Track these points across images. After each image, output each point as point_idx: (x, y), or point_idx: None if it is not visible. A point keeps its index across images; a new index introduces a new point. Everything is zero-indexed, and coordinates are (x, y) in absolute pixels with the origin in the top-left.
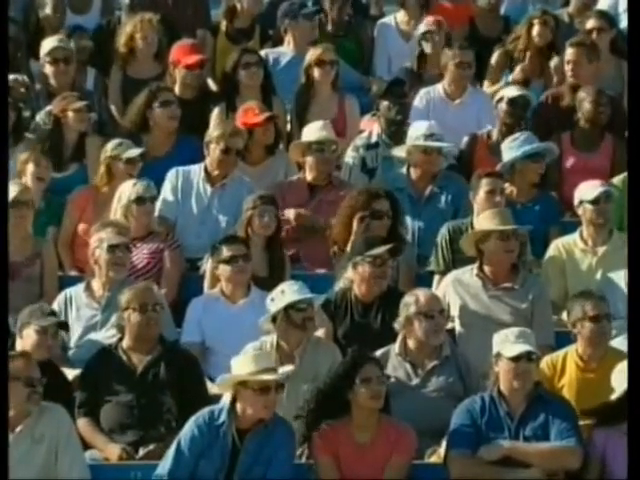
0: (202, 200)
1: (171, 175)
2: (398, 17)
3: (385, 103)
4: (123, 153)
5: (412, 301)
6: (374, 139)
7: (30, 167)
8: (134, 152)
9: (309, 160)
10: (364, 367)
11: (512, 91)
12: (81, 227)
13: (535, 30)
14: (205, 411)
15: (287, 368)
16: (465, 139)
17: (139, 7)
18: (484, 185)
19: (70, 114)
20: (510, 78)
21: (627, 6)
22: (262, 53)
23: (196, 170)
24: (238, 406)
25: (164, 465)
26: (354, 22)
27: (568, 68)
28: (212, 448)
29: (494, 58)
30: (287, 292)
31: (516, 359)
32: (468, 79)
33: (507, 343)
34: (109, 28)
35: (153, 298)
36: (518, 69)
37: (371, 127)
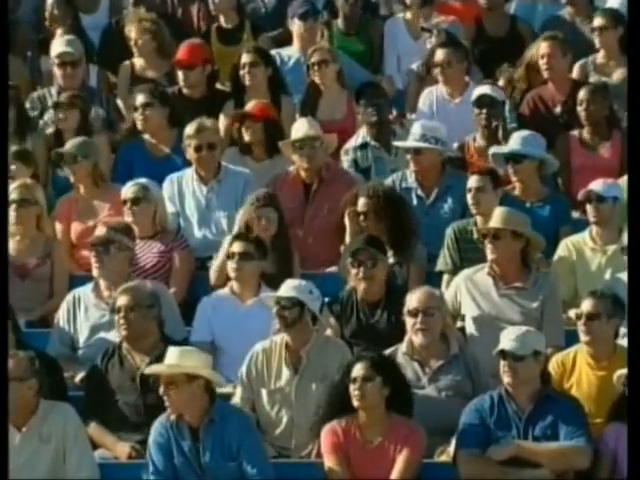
0: (200, 201)
1: (166, 184)
2: (407, 15)
3: (361, 108)
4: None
5: (407, 299)
6: (360, 141)
7: (29, 165)
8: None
9: (295, 158)
10: (354, 367)
11: (476, 92)
12: (73, 234)
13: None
14: (164, 413)
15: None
16: (455, 146)
17: (144, 7)
18: (470, 182)
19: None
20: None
21: (627, 6)
22: (272, 52)
23: (189, 173)
24: None
25: (148, 470)
26: (364, 21)
27: (542, 62)
28: (178, 447)
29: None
30: (282, 288)
31: (501, 355)
32: (459, 77)
33: (505, 339)
34: (117, 27)
35: (144, 299)
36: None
37: None
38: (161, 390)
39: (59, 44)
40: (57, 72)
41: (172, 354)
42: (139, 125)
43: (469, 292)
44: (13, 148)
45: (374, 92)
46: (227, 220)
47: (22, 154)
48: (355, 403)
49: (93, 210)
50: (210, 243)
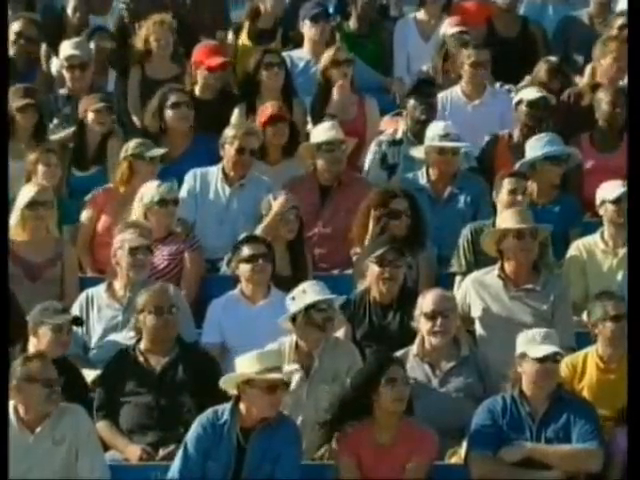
0: (220, 201)
1: (189, 177)
2: (418, 17)
3: (412, 101)
4: (146, 152)
5: (420, 302)
6: (399, 136)
7: (40, 167)
8: (157, 151)
9: (319, 161)
10: (390, 368)
11: (531, 93)
12: (101, 227)
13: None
14: (209, 411)
15: (292, 367)
16: (486, 139)
17: (153, 9)
18: (506, 185)
19: (90, 115)
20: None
21: (627, 6)
22: (283, 55)
23: (214, 171)
24: (242, 405)
25: (174, 468)
26: (374, 23)
27: (606, 63)
28: (218, 448)
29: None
30: (308, 292)
31: (543, 360)
32: (484, 79)
33: (533, 344)
34: (129, 29)
35: (168, 300)
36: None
37: (391, 127)
38: (252, 395)
39: (67, 47)
40: (66, 75)
41: (252, 358)
42: (170, 124)
43: (479, 294)
44: (46, 147)
45: (429, 90)
46: (245, 224)
47: (52, 151)
48: (393, 405)
49: (126, 209)
50: (224, 245)
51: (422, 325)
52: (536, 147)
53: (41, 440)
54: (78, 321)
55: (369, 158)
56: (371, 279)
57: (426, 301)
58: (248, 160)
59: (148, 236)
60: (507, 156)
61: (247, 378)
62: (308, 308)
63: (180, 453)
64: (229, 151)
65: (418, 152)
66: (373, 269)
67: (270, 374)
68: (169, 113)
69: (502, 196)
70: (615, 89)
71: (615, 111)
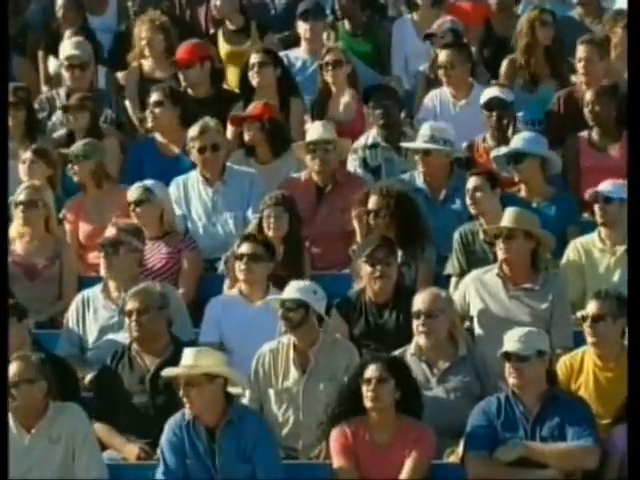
0: (206, 203)
1: (172, 188)
2: (415, 16)
3: (370, 109)
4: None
5: (413, 301)
6: (370, 141)
7: (33, 166)
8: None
9: (310, 160)
10: (367, 368)
11: (485, 95)
12: (81, 234)
13: (538, 31)
14: (178, 413)
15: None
16: (464, 145)
17: (149, 8)
18: (469, 183)
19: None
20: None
21: (627, 6)
22: (281, 54)
23: (194, 175)
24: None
25: (158, 470)
26: (372, 22)
27: (580, 66)
28: (193, 447)
29: (503, 67)
30: (286, 290)
31: (505, 357)
32: (460, 79)
33: (509, 342)
34: (128, 30)
35: (154, 300)
36: (503, 71)
37: None
38: (180, 391)
39: (68, 46)
40: (65, 74)
41: (189, 355)
42: (149, 123)
43: (478, 293)
44: (33, 146)
45: (382, 94)
46: (234, 221)
47: (43, 153)
48: (368, 404)
49: (101, 212)
50: (219, 244)
51: (413, 324)
52: (512, 143)
53: (37, 439)
54: None
55: (351, 164)
56: (364, 278)
57: (416, 300)
58: (214, 157)
59: (137, 234)
60: (486, 159)
61: (170, 375)
62: (282, 306)
63: (160, 457)
64: (194, 154)
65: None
66: (365, 268)
67: (177, 369)
68: (155, 112)
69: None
70: (596, 89)
71: (596, 110)
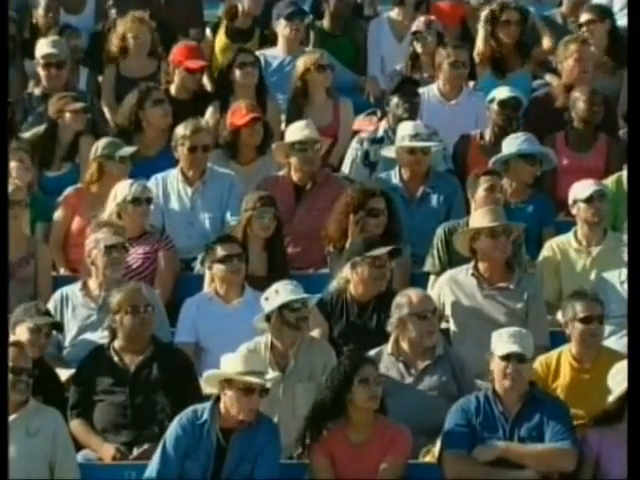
0: (184, 202)
1: (151, 184)
2: (391, 16)
3: (395, 100)
4: (116, 151)
5: (405, 302)
6: (380, 134)
7: (13, 166)
8: (127, 150)
9: (293, 160)
10: (362, 368)
11: (503, 92)
12: (74, 227)
13: (501, 31)
14: (189, 410)
15: (274, 374)
16: (456, 139)
17: (131, 7)
18: (483, 182)
19: (67, 115)
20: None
21: (627, 6)
22: (257, 53)
23: (174, 173)
24: (222, 405)
25: (152, 467)
26: (349, 22)
27: (568, 65)
28: (197, 447)
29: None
30: (281, 292)
31: (506, 358)
32: (463, 78)
33: (501, 342)
34: (104, 29)
35: (144, 299)
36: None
37: (365, 127)
38: (230, 394)
39: (44, 45)
40: (41, 73)
41: (237, 358)
42: (151, 120)
43: (453, 293)
44: (18, 144)
45: (412, 89)
46: (211, 222)
47: (24, 150)
48: (367, 404)
49: (100, 210)
50: (195, 245)
51: (411, 326)
52: (511, 145)
53: (14, 429)
54: (57, 326)
55: (350, 155)
56: (359, 278)
57: (415, 301)
58: (203, 157)
59: (122, 234)
60: (479, 155)
61: (228, 377)
62: (282, 308)
63: (158, 453)
64: (182, 151)
65: (389, 152)
66: (364, 269)
67: (249, 377)
68: (150, 111)
69: (478, 194)
70: (591, 88)
71: (592, 110)
